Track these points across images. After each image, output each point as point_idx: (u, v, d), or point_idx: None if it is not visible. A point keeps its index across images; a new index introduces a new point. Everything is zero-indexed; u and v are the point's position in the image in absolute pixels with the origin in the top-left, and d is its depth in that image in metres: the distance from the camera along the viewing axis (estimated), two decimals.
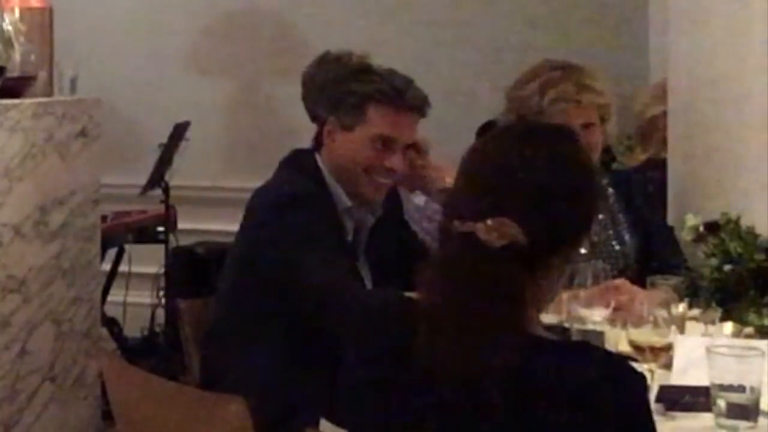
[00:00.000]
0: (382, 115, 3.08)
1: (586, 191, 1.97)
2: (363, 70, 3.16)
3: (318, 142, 3.17)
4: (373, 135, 3.07)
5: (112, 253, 5.40)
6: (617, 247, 3.33)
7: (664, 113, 3.85)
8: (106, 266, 5.27)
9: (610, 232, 3.34)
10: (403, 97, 3.09)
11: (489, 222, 1.86)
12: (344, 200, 3.11)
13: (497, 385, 1.79)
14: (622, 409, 1.80)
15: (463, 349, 1.82)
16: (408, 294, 2.10)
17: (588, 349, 1.96)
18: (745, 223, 2.83)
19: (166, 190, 5.38)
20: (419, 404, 1.87)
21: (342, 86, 3.14)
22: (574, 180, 1.95)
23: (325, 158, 3.12)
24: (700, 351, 2.31)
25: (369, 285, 3.15)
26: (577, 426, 1.78)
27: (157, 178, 5.35)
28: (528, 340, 1.84)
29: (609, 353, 2.04)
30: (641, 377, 1.89)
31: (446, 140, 5.73)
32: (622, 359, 1.98)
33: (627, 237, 3.35)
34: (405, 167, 3.14)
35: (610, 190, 3.41)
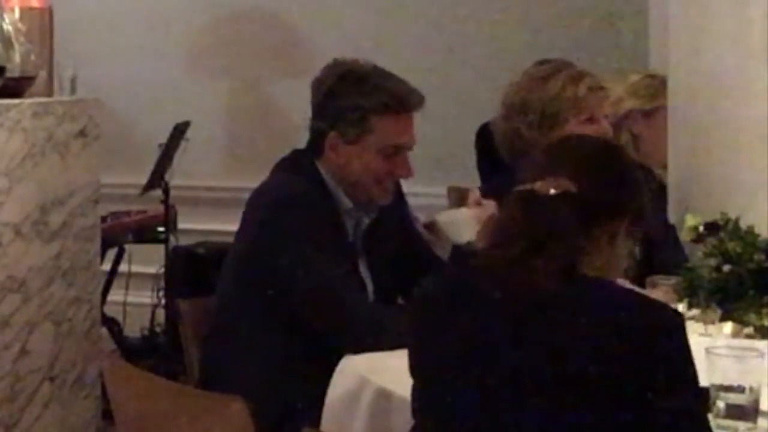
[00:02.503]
0: (387, 125, 3.07)
1: (629, 178, 2.25)
2: (360, 81, 3.14)
3: (315, 148, 3.14)
4: (380, 146, 3.07)
5: (112, 253, 5.40)
6: None
7: (640, 112, 3.84)
8: (106, 266, 5.27)
9: None
10: (405, 104, 3.09)
11: (546, 180, 2.14)
12: (345, 202, 3.11)
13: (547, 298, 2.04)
14: (659, 345, 2.00)
15: (512, 273, 2.08)
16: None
17: (627, 290, 2.22)
18: (745, 223, 2.83)
19: (166, 190, 5.38)
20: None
21: (341, 100, 3.10)
22: (619, 164, 2.26)
23: (326, 167, 3.11)
24: (700, 351, 2.31)
25: (369, 284, 3.15)
26: (614, 358, 1.98)
27: (157, 178, 5.35)
28: (575, 275, 2.08)
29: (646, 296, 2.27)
30: (678, 315, 2.11)
31: (446, 140, 5.74)
32: (659, 302, 2.20)
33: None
34: (412, 170, 3.15)
35: None
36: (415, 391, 2.20)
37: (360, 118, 3.06)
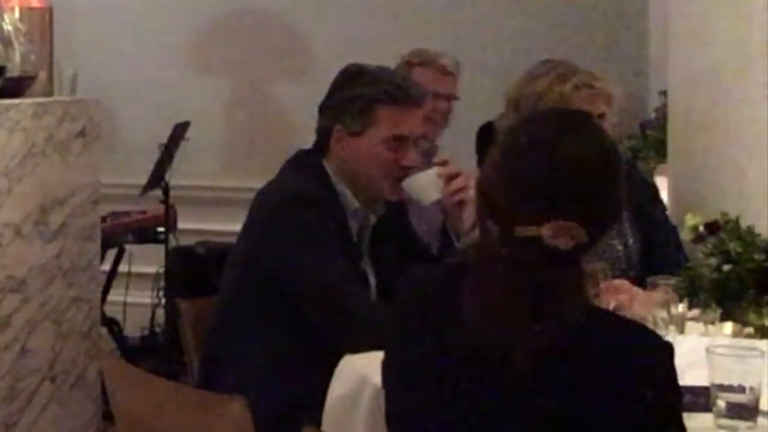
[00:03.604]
0: (391, 115, 3.07)
1: (618, 168, 2.05)
2: (360, 74, 3.15)
3: (321, 147, 3.15)
4: (386, 136, 3.07)
5: (112, 253, 5.40)
6: (620, 248, 3.32)
7: None
8: (106, 266, 5.27)
9: (613, 233, 3.32)
10: (407, 93, 3.10)
11: (553, 226, 1.94)
12: (351, 202, 3.11)
13: (536, 362, 1.89)
14: (648, 378, 1.89)
15: (522, 332, 1.91)
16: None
17: (615, 319, 2.07)
18: (744, 223, 2.83)
19: (166, 190, 5.38)
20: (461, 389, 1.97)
21: (342, 93, 3.12)
22: (610, 164, 2.02)
23: (333, 164, 3.12)
24: (699, 351, 2.31)
25: (373, 285, 3.15)
26: (604, 393, 1.87)
27: (157, 178, 5.35)
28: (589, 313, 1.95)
29: (635, 323, 2.11)
30: (667, 345, 1.97)
31: (447, 140, 5.75)
32: (648, 329, 2.06)
33: (630, 238, 3.34)
34: (420, 160, 3.17)
35: None
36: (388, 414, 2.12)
37: (363, 109, 3.07)
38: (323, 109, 3.17)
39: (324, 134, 3.13)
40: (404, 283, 2.19)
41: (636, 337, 1.95)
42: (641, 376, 1.89)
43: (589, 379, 1.88)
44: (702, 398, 2.30)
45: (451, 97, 4.34)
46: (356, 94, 3.08)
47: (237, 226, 3.16)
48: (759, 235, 2.80)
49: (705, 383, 2.27)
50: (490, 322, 1.93)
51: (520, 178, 2.00)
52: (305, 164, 3.15)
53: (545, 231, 1.94)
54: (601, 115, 3.27)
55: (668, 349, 1.96)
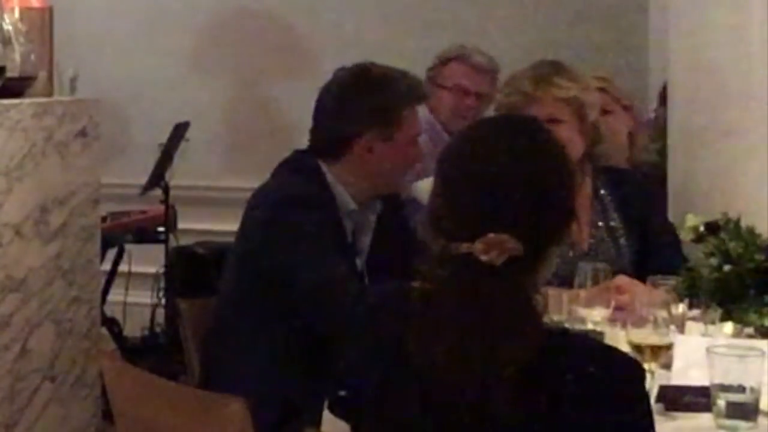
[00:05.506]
0: (412, 114, 3.17)
1: (565, 178, 1.94)
2: (378, 80, 3.14)
3: (332, 152, 3.13)
4: (412, 135, 3.16)
5: (112, 253, 5.40)
6: (612, 250, 3.31)
7: None
8: (106, 266, 5.27)
9: (605, 234, 3.32)
10: (420, 92, 3.21)
11: (485, 240, 1.82)
12: (348, 203, 3.11)
13: (506, 391, 1.78)
14: (619, 400, 1.82)
15: (475, 359, 1.79)
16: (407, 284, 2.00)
17: (586, 343, 1.97)
18: (745, 223, 2.83)
19: (166, 190, 5.38)
20: (419, 405, 1.88)
21: (366, 102, 3.10)
22: (553, 174, 1.91)
23: (342, 166, 3.09)
24: (700, 351, 2.31)
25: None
26: (577, 419, 1.79)
27: (157, 178, 5.35)
28: (541, 336, 1.83)
29: (606, 345, 2.01)
30: (638, 366, 1.92)
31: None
32: (619, 351, 1.97)
33: (622, 239, 3.33)
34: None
35: (604, 192, 3.38)
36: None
37: (394, 115, 3.11)
38: (337, 114, 3.12)
39: (340, 141, 3.10)
40: (358, 314, 2.09)
41: (607, 360, 1.86)
42: (615, 397, 1.81)
43: (564, 406, 1.79)
44: (702, 398, 2.30)
45: (480, 95, 4.34)
46: (384, 103, 3.09)
47: (237, 226, 3.16)
48: (759, 235, 2.80)
49: (705, 383, 2.27)
50: (443, 368, 1.80)
51: (452, 193, 1.91)
52: (301, 165, 3.15)
53: (477, 247, 1.81)
54: (551, 121, 3.15)
55: (641, 368, 1.93)
